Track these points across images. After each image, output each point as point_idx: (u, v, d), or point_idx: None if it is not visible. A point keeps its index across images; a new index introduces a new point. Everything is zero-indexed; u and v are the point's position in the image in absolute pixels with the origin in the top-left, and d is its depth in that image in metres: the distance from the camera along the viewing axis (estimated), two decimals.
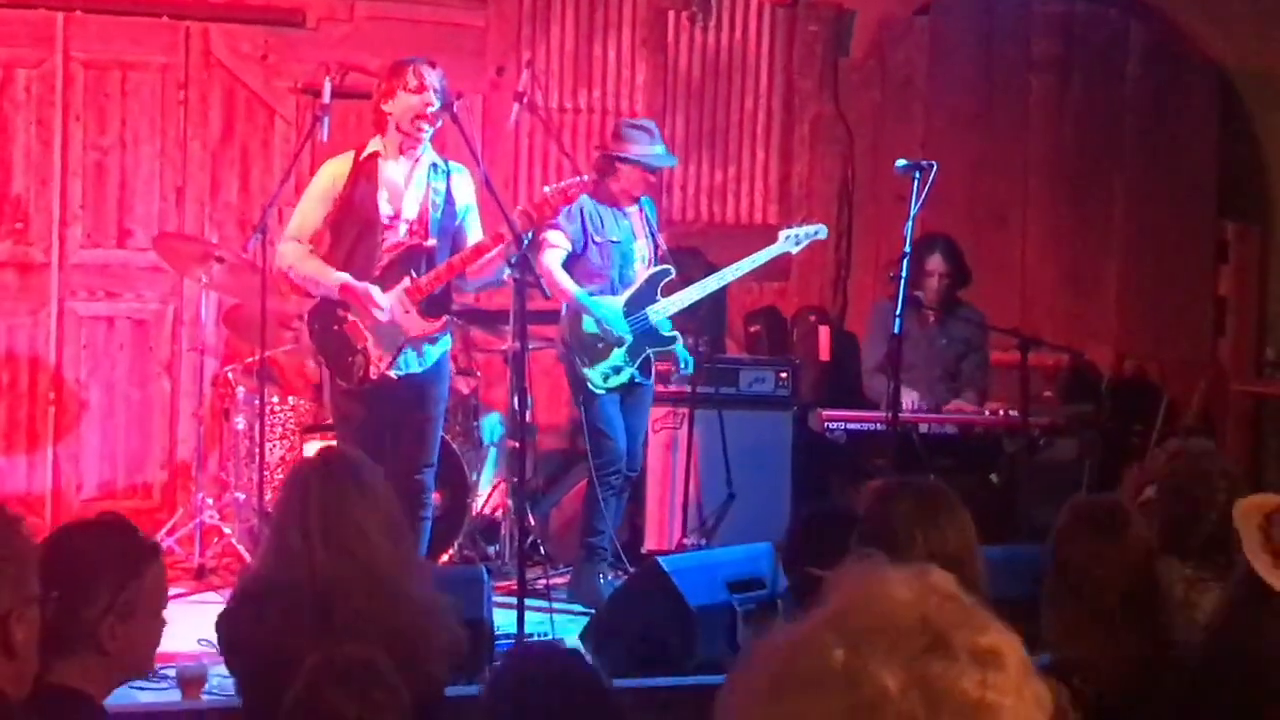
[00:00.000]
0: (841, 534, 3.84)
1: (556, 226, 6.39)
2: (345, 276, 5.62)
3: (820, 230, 6.88)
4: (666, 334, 6.61)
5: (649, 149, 6.53)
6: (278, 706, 3.15)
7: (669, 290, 6.61)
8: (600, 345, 6.46)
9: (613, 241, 6.53)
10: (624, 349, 6.47)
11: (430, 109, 5.59)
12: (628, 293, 6.54)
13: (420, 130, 5.64)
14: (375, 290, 5.60)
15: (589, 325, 6.45)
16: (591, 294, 6.47)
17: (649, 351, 6.57)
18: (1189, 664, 3.16)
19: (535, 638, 5.29)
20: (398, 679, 2.78)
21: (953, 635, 1.31)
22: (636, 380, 6.56)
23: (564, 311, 6.56)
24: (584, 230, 6.47)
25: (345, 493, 3.26)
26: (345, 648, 2.88)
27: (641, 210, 6.67)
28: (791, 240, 6.78)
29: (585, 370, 6.46)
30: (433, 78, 5.60)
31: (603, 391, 6.49)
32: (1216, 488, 4.02)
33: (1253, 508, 3.24)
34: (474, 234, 5.79)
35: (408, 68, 5.62)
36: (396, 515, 3.37)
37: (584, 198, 6.39)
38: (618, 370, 6.49)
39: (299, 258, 5.72)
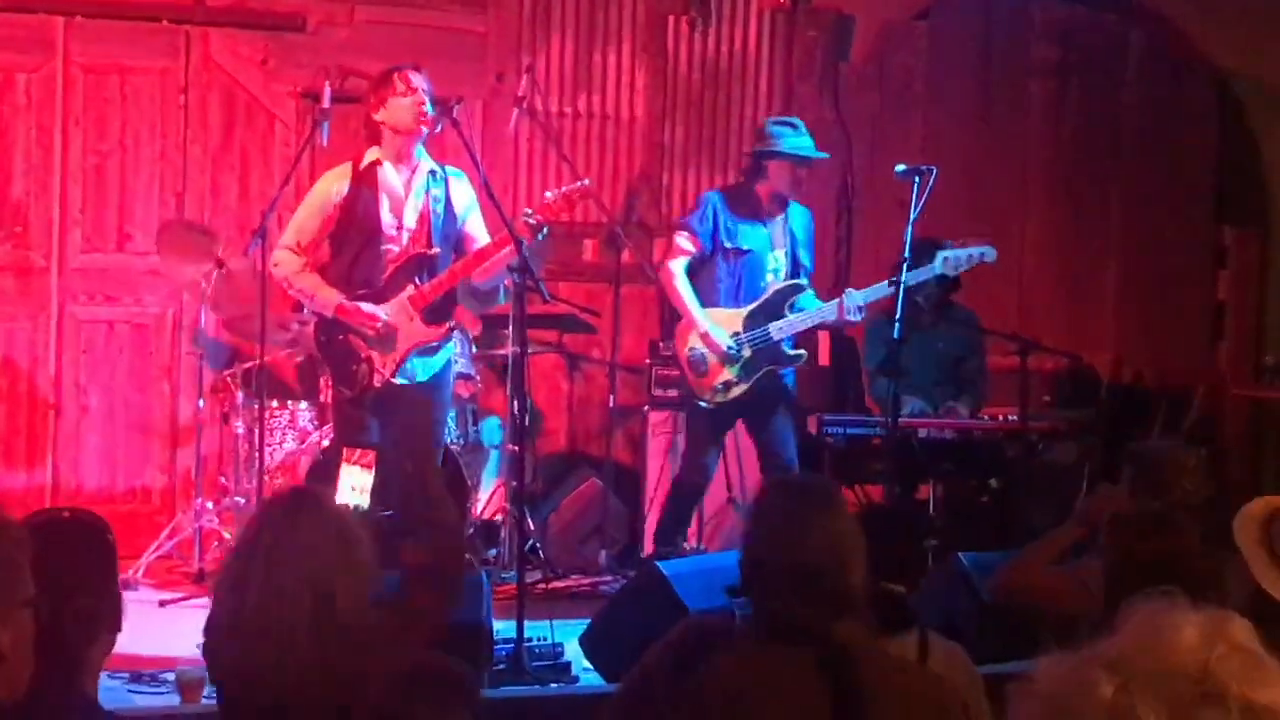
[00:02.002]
0: (907, 540, 3.76)
1: (688, 228, 6.29)
2: (339, 299, 5.61)
3: (988, 252, 6.28)
4: (790, 353, 6.34)
5: (798, 142, 6.31)
6: None
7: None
8: (709, 360, 6.27)
9: (743, 250, 6.29)
10: (737, 365, 6.26)
11: (425, 108, 5.59)
12: (751, 306, 6.32)
13: (420, 130, 5.63)
14: (369, 306, 5.59)
15: (695, 340, 6.28)
16: (705, 305, 6.28)
17: (766, 369, 6.31)
18: None
19: (535, 642, 5.28)
20: (480, 698, 2.76)
21: (1229, 687, 1.30)
22: (758, 393, 6.29)
23: (677, 324, 6.40)
24: (714, 235, 6.27)
25: (305, 530, 3.12)
26: (432, 658, 2.87)
27: (786, 221, 6.39)
28: (949, 264, 6.26)
29: (692, 384, 6.30)
30: (419, 80, 5.60)
31: (709, 406, 6.30)
32: (1188, 488, 4.03)
33: (1259, 508, 3.23)
34: (479, 234, 5.77)
35: (394, 75, 5.62)
36: (359, 556, 3.21)
37: (719, 201, 6.29)
38: (728, 386, 6.27)
39: (294, 270, 5.70)
